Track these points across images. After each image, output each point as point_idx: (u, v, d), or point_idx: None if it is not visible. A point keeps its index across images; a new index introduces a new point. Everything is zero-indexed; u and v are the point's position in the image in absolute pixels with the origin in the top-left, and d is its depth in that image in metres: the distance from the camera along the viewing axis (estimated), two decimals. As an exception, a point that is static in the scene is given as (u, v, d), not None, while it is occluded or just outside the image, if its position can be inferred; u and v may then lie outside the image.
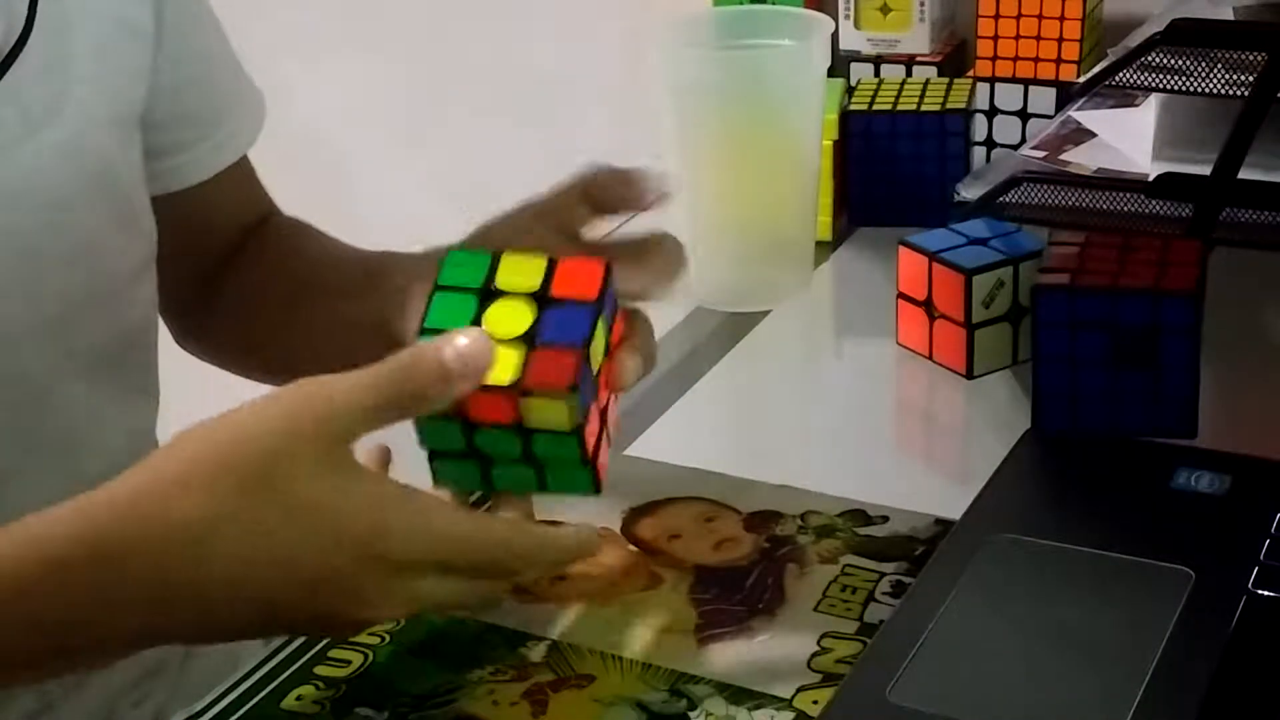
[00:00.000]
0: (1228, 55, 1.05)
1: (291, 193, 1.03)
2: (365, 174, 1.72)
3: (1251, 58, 1.04)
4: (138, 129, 0.90)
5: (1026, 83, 1.25)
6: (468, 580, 0.67)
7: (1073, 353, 0.86)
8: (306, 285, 0.95)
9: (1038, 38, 1.24)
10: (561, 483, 0.70)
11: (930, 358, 0.99)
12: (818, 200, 1.10)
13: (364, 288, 0.89)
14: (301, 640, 0.75)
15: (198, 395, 1.11)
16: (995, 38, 1.25)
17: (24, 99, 0.81)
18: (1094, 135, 1.18)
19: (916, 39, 1.30)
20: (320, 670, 0.74)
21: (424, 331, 0.68)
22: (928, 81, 1.20)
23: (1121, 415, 0.87)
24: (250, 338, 0.98)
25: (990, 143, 1.26)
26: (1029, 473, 0.86)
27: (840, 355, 1.10)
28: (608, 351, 0.71)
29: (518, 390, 0.67)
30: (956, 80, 1.20)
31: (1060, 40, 1.24)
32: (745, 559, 0.80)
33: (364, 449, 0.69)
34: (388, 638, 0.75)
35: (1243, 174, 1.04)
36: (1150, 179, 1.10)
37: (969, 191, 1.12)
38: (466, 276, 0.70)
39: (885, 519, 0.82)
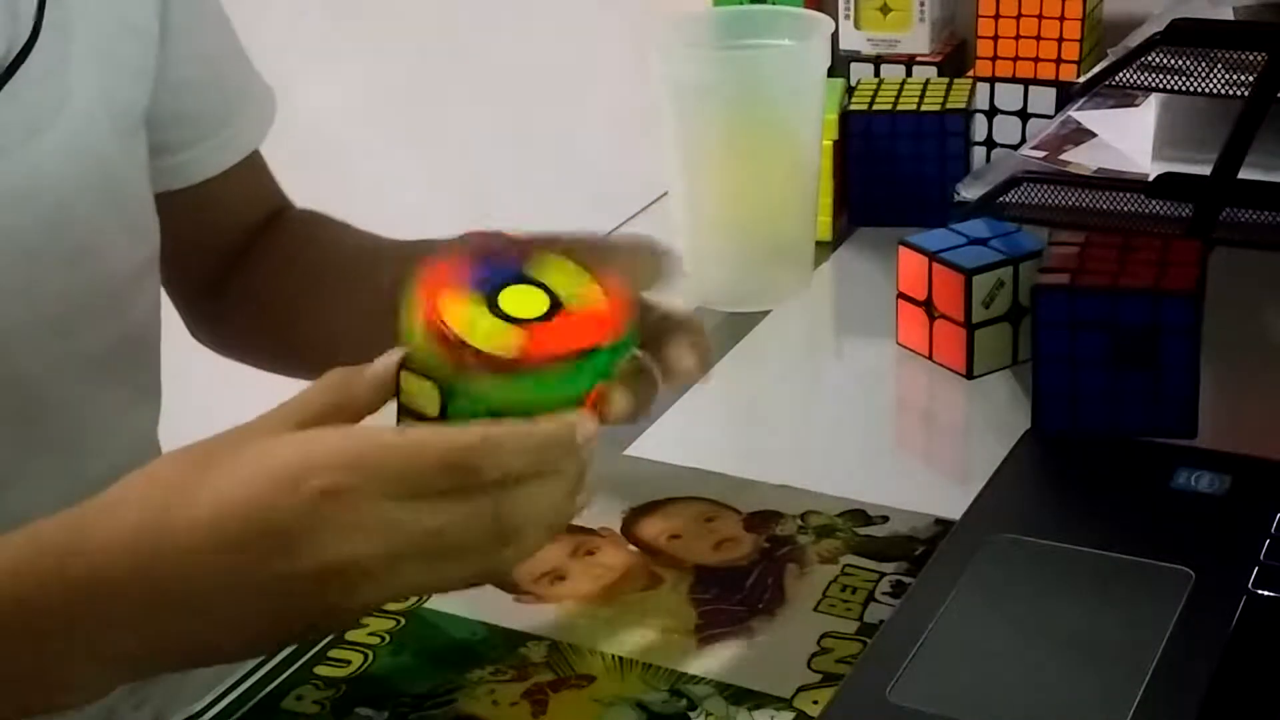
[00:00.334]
0: (1228, 55, 1.05)
1: (292, 191, 1.03)
2: (365, 173, 1.72)
3: (1251, 58, 1.04)
4: (142, 129, 0.90)
5: (1026, 83, 1.25)
6: (447, 503, 0.62)
7: (1073, 353, 0.86)
8: (320, 274, 0.95)
9: (1038, 38, 1.24)
10: None
11: (930, 358, 0.99)
12: (818, 200, 1.10)
13: (377, 274, 0.88)
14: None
15: (200, 397, 1.11)
16: (995, 38, 1.25)
17: (25, 101, 0.81)
18: (1094, 135, 1.17)
19: (916, 39, 1.30)
20: (320, 670, 0.74)
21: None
22: (928, 81, 1.20)
23: (1121, 415, 0.87)
24: (264, 329, 0.98)
25: (990, 143, 1.26)
26: (1029, 473, 0.86)
27: (840, 355, 1.10)
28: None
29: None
30: (956, 80, 1.20)
31: (1060, 40, 1.24)
32: (745, 559, 0.80)
33: None
34: (388, 638, 0.76)
35: (1243, 174, 1.04)
36: (1150, 179, 1.10)
37: (969, 191, 1.12)
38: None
39: (885, 519, 0.82)
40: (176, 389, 0.97)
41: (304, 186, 1.05)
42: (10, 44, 0.80)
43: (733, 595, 0.77)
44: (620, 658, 0.73)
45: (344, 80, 1.71)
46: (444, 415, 0.64)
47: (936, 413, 1.00)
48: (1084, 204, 1.11)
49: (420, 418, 0.65)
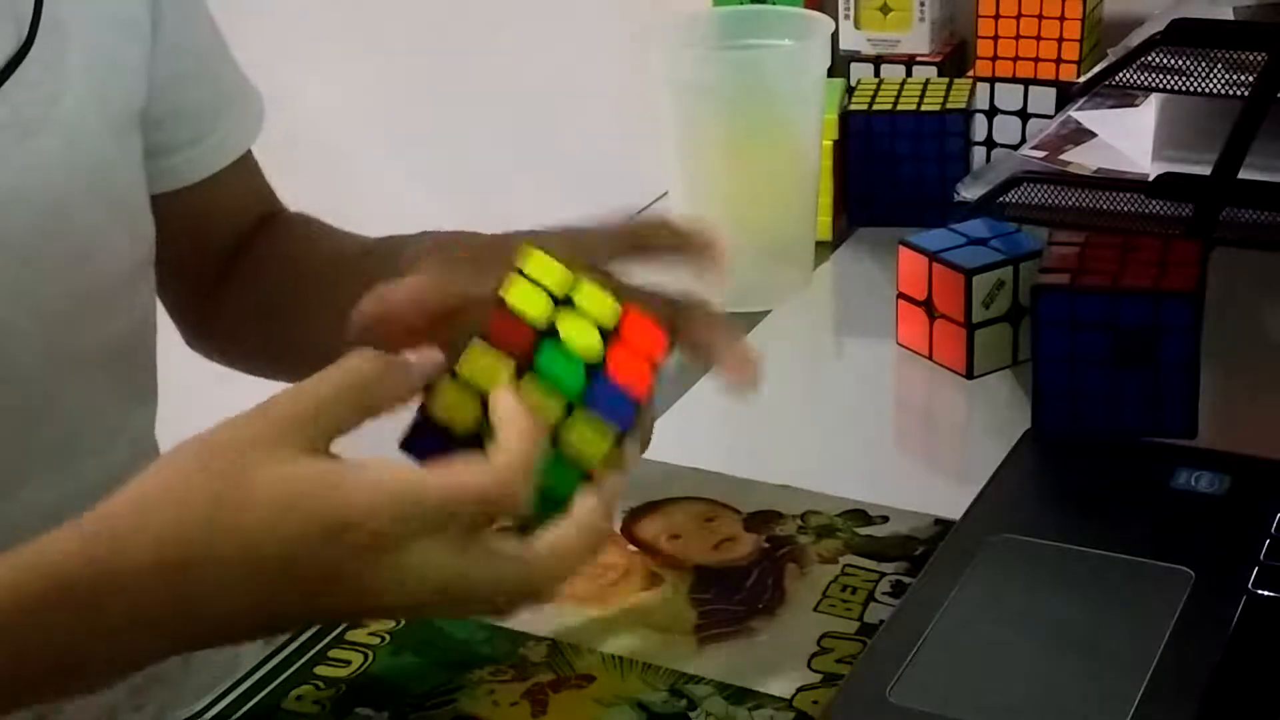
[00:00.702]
0: (1228, 55, 1.05)
1: (290, 193, 1.03)
2: (365, 174, 1.72)
3: (1251, 58, 1.04)
4: (137, 129, 0.90)
5: (1026, 83, 1.25)
6: (469, 537, 0.63)
7: (1073, 353, 0.86)
8: (313, 278, 0.94)
9: (1038, 38, 1.24)
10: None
11: (930, 358, 0.99)
12: (818, 200, 1.10)
13: (369, 275, 0.88)
14: (301, 640, 0.75)
15: (196, 398, 1.11)
16: (995, 38, 1.25)
17: (19, 102, 0.81)
18: (1094, 135, 1.17)
19: (916, 39, 1.30)
20: (320, 670, 0.74)
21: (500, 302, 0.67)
22: (928, 81, 1.20)
23: (1121, 415, 0.87)
24: (259, 334, 0.98)
25: (990, 143, 1.26)
26: (1029, 473, 0.86)
27: (840, 355, 1.10)
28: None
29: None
30: (956, 80, 1.20)
31: (1060, 40, 1.24)
32: (745, 559, 0.80)
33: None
34: (388, 638, 0.75)
35: (1243, 174, 1.04)
36: (1150, 179, 1.10)
37: (969, 191, 1.12)
38: (549, 278, 0.69)
39: (885, 519, 0.82)
40: (173, 389, 0.97)
41: (303, 187, 1.05)
42: (9, 46, 0.80)
43: (733, 595, 0.77)
44: (620, 658, 0.73)
45: (344, 80, 1.71)
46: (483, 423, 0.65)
47: (936, 413, 1.00)
48: (1084, 204, 1.11)
49: (445, 432, 0.65)
